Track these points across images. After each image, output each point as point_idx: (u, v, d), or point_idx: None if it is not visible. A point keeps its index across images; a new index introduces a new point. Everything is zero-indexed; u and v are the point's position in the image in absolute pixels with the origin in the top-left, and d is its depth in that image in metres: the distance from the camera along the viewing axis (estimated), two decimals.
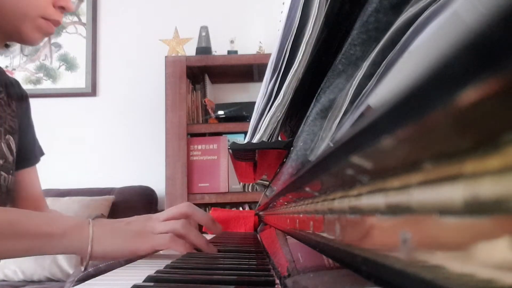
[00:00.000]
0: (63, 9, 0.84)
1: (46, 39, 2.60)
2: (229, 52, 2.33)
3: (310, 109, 0.39)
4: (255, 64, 2.27)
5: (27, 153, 0.96)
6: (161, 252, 0.80)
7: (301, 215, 0.33)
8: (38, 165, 1.00)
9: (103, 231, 0.67)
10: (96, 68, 2.59)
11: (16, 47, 2.61)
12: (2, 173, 0.85)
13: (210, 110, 2.30)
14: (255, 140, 0.55)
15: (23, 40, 0.83)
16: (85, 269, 0.70)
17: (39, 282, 1.99)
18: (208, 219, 0.77)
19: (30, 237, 0.63)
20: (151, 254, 0.73)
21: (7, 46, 0.88)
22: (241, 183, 2.14)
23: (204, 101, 2.31)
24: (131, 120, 2.53)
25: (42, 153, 1.02)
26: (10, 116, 0.90)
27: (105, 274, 0.56)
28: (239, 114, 2.25)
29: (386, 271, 0.14)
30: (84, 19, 2.61)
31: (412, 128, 0.12)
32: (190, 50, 2.34)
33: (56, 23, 0.83)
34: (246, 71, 2.38)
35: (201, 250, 0.70)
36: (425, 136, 0.11)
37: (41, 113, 2.58)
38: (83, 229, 0.66)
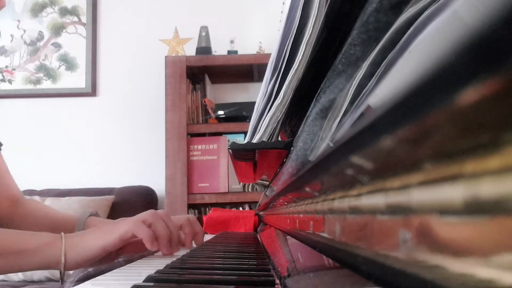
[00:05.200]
0: None
1: (46, 38, 2.60)
2: (229, 52, 2.33)
3: (310, 109, 0.39)
4: (255, 64, 2.27)
5: None
6: (160, 252, 0.80)
7: (301, 215, 0.33)
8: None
9: (74, 241, 0.67)
10: (96, 68, 2.58)
11: (17, 47, 2.61)
12: None
13: (210, 110, 2.30)
14: (255, 140, 0.55)
15: None
16: (62, 281, 0.71)
17: (39, 282, 1.99)
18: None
19: (3, 256, 0.64)
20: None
21: None
22: (241, 183, 2.15)
23: (204, 101, 2.31)
24: (131, 120, 2.53)
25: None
26: None
27: (105, 274, 0.56)
28: (239, 114, 2.25)
29: (386, 271, 0.14)
30: (84, 19, 2.61)
31: (412, 128, 0.12)
32: (190, 50, 2.34)
33: None
34: (246, 71, 2.37)
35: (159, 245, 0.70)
36: (425, 136, 0.11)
37: (41, 113, 2.59)
38: (55, 243, 0.66)
